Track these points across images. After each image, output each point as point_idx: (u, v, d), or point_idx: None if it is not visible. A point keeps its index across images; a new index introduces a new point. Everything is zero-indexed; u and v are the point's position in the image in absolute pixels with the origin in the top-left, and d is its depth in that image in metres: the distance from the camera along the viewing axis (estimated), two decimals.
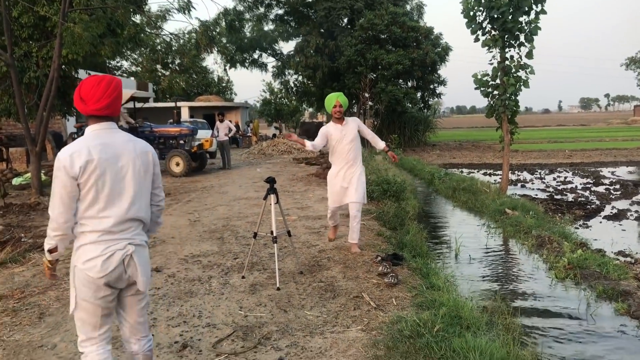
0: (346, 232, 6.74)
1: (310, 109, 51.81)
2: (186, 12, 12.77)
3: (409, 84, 30.75)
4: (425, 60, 27.94)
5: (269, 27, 33.63)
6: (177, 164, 15.20)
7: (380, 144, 6.40)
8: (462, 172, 18.76)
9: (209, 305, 4.84)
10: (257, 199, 10.79)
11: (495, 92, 11.82)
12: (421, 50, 28.03)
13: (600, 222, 10.19)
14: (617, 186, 14.53)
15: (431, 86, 30.94)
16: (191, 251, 6.77)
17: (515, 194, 12.95)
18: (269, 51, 34.35)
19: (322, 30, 31.70)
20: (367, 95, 30.67)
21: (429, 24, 31.55)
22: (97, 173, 2.62)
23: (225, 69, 32.73)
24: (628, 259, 7.46)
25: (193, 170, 15.68)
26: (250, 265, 5.92)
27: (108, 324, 2.82)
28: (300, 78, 33.40)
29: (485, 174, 18.47)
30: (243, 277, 5.61)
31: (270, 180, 5.55)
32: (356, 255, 6.26)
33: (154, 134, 16.12)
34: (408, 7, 32.35)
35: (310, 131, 34.68)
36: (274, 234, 5.52)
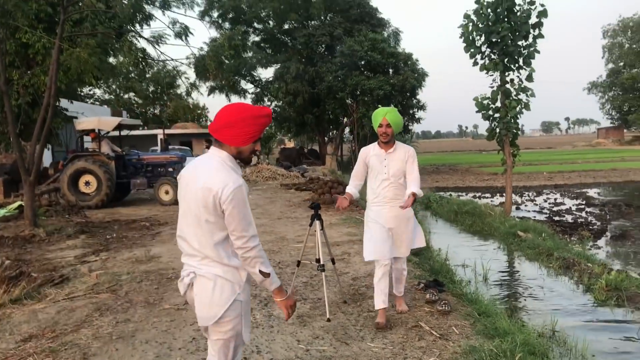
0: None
1: (280, 136, 51.94)
2: (183, 37, 12.50)
3: None
4: (404, 86, 28.23)
5: (246, 54, 33.64)
6: (167, 192, 14.78)
7: (410, 188, 4.56)
8: (450, 195, 18.79)
9: (263, 339, 4.56)
10: (262, 225, 10.50)
11: (497, 115, 11.92)
12: (400, 75, 28.34)
13: (608, 243, 10.24)
14: (611, 206, 14.72)
15: (411, 111, 31.25)
16: None
17: (514, 216, 12.96)
18: (247, 78, 34.28)
19: (299, 57, 31.83)
20: (346, 121, 30.79)
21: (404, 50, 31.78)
22: (178, 192, 2.75)
23: (227, 95, 32.45)
24: None
25: None
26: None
27: None
28: (280, 104, 33.34)
29: (474, 197, 18.52)
30: None
31: (316, 206, 5.32)
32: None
33: (141, 162, 15.74)
34: (385, 34, 32.80)
35: (291, 157, 34.51)
36: (321, 262, 5.27)
